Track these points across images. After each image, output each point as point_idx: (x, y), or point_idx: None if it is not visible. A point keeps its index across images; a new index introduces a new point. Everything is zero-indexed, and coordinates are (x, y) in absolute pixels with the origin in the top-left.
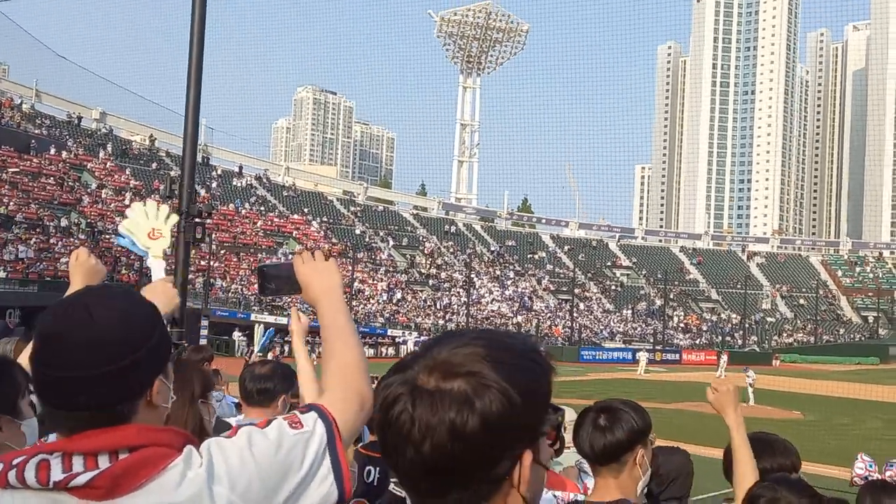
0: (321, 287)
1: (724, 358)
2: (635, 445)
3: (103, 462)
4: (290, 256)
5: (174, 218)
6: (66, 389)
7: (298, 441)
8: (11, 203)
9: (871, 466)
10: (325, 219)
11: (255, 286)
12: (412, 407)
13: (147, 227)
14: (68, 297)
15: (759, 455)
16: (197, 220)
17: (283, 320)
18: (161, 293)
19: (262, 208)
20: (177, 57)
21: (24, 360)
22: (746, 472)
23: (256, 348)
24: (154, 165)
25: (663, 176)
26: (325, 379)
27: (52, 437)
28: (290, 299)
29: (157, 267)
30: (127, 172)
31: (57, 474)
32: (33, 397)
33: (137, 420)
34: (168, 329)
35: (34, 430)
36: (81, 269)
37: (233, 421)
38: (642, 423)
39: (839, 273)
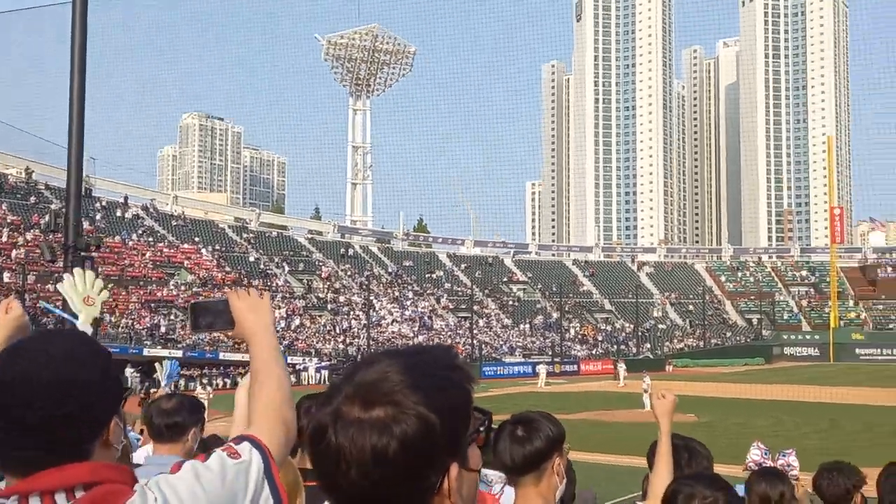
0: (256, 325)
1: (622, 366)
2: (552, 453)
3: (61, 500)
4: (220, 294)
5: (105, 294)
6: (23, 431)
7: (240, 470)
8: None
9: (766, 454)
10: (217, 247)
11: (187, 322)
12: (335, 436)
13: (82, 293)
14: (23, 341)
15: (685, 461)
16: (84, 253)
17: (178, 353)
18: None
19: (151, 239)
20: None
21: None
22: (664, 475)
23: (164, 381)
24: (32, 199)
25: (553, 191)
26: (253, 411)
27: (1, 484)
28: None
29: (87, 332)
30: (3, 207)
31: None
32: None
33: (93, 459)
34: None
35: None
36: (11, 325)
37: (140, 455)
38: (557, 432)
39: (723, 278)
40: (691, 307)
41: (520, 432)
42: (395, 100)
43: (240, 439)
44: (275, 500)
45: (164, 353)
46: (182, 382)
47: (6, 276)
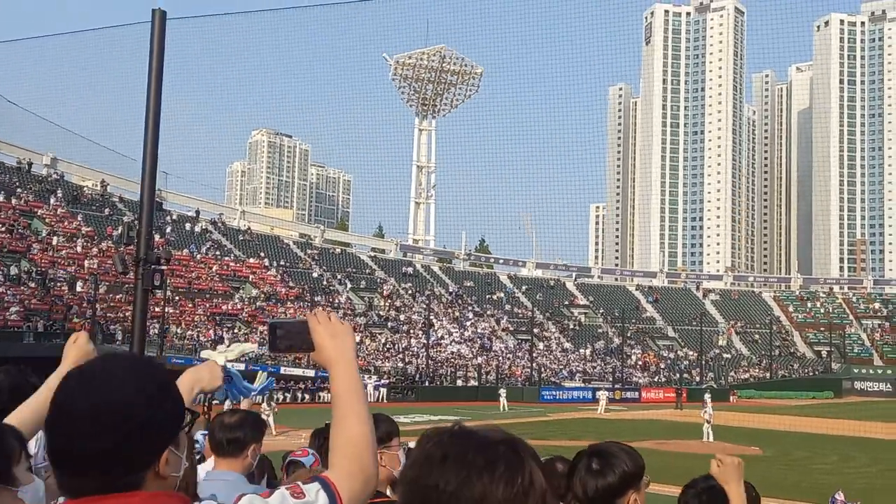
0: (338, 352)
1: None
2: (627, 490)
3: None
4: (282, 314)
5: (244, 347)
6: (73, 458)
7: None
8: None
9: None
10: (281, 262)
11: (267, 341)
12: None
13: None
14: (82, 367)
15: None
16: (155, 266)
17: (241, 366)
18: (206, 370)
19: (218, 253)
20: (130, 102)
21: (14, 420)
22: None
23: (257, 390)
24: (107, 211)
25: (618, 215)
26: (334, 450)
27: (62, 500)
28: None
29: (216, 357)
30: (79, 219)
31: None
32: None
33: (145, 489)
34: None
35: (37, 496)
36: (76, 353)
37: (200, 470)
38: (634, 467)
39: (791, 308)
40: (758, 337)
41: (595, 465)
42: (461, 120)
43: (312, 479)
44: None
45: (227, 365)
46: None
47: (79, 286)
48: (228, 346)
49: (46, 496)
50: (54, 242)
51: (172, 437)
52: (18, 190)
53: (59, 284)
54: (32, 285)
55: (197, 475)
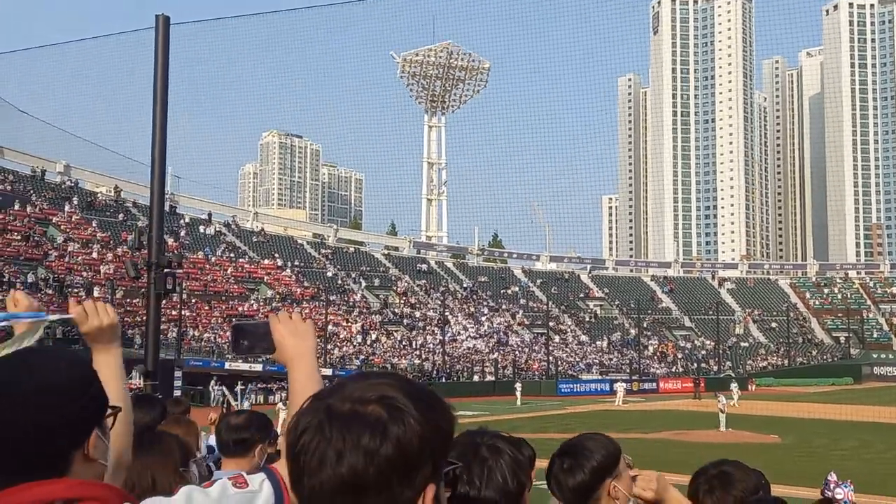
0: (296, 350)
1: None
2: (601, 482)
3: None
4: (260, 316)
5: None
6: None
7: (241, 501)
8: None
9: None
10: (296, 262)
11: (229, 336)
12: (329, 429)
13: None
14: (4, 357)
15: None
16: (167, 270)
17: (258, 367)
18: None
19: (232, 255)
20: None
21: None
22: None
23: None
24: (121, 216)
25: (630, 206)
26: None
27: None
28: None
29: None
30: (93, 225)
31: None
32: None
33: (73, 475)
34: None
35: None
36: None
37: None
38: (603, 459)
39: (808, 295)
40: (775, 324)
41: (565, 465)
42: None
43: (257, 470)
44: None
45: (245, 367)
46: (262, 396)
47: (96, 291)
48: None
49: None
50: (70, 249)
51: (99, 419)
52: (33, 198)
53: (76, 290)
54: (50, 292)
55: (168, 470)
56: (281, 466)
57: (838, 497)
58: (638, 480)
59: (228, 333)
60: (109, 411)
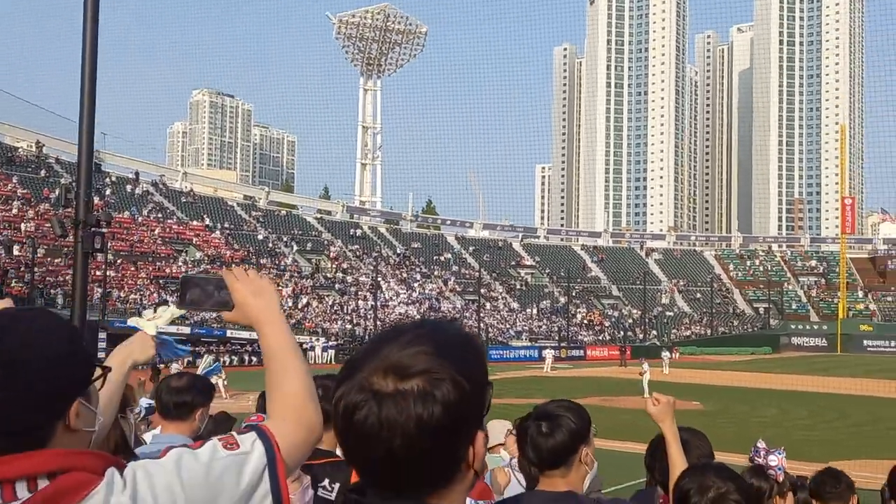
0: (262, 309)
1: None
2: (577, 446)
3: (21, 491)
4: (197, 269)
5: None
6: None
7: (232, 463)
8: None
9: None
10: (226, 225)
11: (176, 296)
12: (378, 410)
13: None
14: None
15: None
16: (95, 229)
17: (186, 329)
18: (137, 342)
19: (160, 215)
20: (66, 58)
21: None
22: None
23: (200, 371)
24: (43, 173)
25: (563, 175)
26: (272, 407)
27: None
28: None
29: (146, 326)
30: (14, 181)
31: None
32: None
33: (55, 445)
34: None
35: None
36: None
37: (148, 436)
38: (581, 424)
39: (731, 267)
40: (699, 295)
41: (543, 428)
42: (406, 80)
43: (247, 429)
44: (274, 499)
45: (172, 328)
46: (191, 359)
47: (16, 250)
48: (156, 313)
49: None
50: None
51: (81, 388)
52: None
53: None
54: None
55: (126, 432)
56: (271, 425)
57: (772, 463)
58: (656, 394)
59: (175, 288)
60: (98, 373)
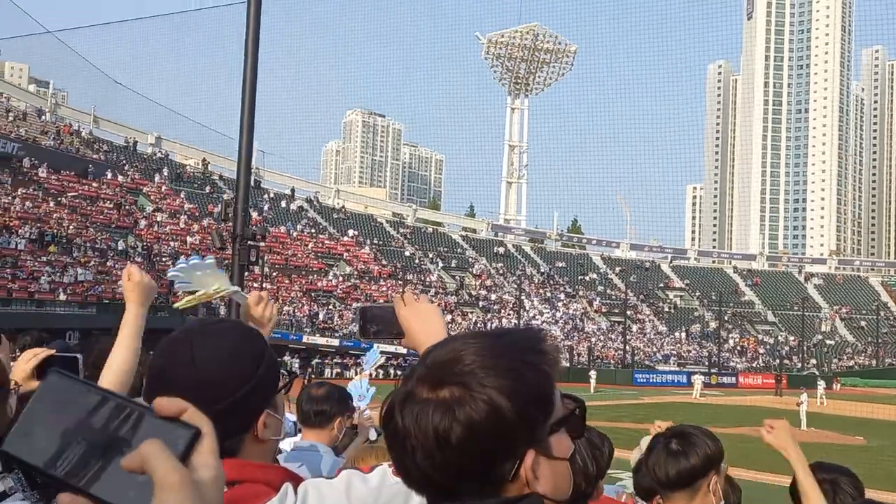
0: (426, 334)
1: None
2: (709, 471)
3: None
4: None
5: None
6: None
7: (400, 491)
8: (71, 227)
9: None
10: (375, 241)
11: (356, 327)
12: (401, 417)
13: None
14: (177, 334)
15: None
16: (251, 243)
17: (335, 342)
18: (259, 316)
19: (313, 230)
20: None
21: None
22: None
23: (366, 367)
24: (208, 189)
25: (715, 196)
26: None
27: None
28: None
29: (238, 292)
30: (181, 196)
31: None
32: None
33: (243, 455)
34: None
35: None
36: (137, 288)
37: (287, 444)
38: (715, 449)
39: None
40: (864, 323)
41: (674, 446)
42: (554, 99)
43: None
44: None
45: (322, 341)
46: (337, 371)
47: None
48: (201, 292)
49: None
50: (159, 219)
51: (268, 401)
52: (126, 167)
53: (163, 259)
54: (139, 260)
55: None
56: None
57: None
58: (768, 421)
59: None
60: (284, 380)
